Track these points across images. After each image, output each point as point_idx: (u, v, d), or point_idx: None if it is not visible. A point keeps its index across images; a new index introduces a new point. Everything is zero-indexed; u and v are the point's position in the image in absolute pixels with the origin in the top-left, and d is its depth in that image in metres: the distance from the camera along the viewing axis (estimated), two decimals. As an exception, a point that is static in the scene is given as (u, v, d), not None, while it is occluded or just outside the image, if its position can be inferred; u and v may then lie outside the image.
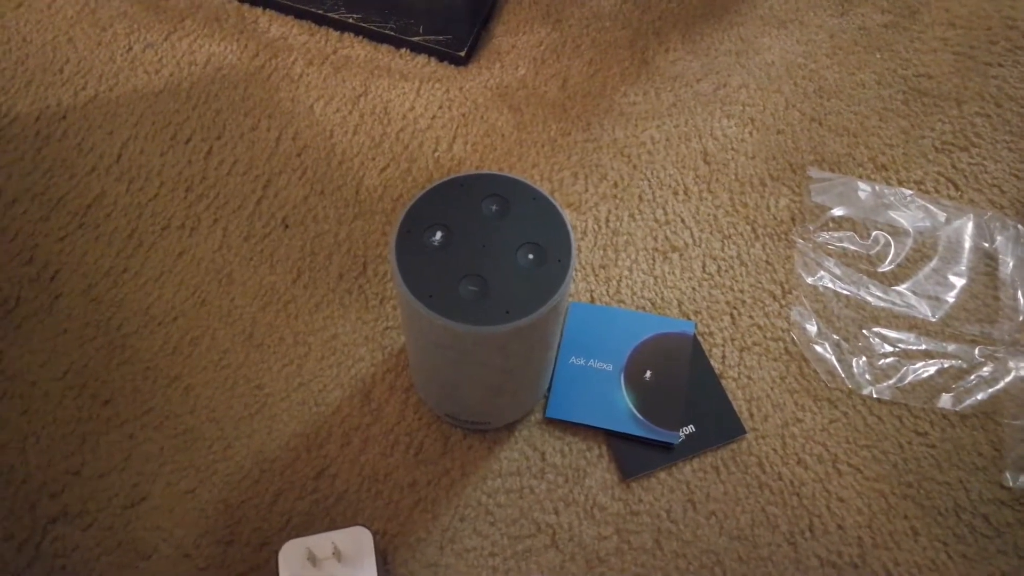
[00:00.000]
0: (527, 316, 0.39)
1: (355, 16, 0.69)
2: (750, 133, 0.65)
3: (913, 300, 0.58)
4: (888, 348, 0.56)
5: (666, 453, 0.52)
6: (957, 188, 0.63)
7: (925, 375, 0.56)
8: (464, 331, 0.39)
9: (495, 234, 0.42)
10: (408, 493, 0.51)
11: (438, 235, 0.41)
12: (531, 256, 0.41)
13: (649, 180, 0.63)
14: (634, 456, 0.52)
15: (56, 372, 0.55)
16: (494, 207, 0.42)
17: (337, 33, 0.70)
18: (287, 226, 0.61)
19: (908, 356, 0.56)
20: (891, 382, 0.55)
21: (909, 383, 0.55)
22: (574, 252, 0.41)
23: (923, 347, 0.57)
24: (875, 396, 0.55)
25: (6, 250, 0.59)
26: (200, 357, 0.56)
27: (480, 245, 0.41)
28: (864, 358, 0.56)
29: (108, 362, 0.55)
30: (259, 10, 0.70)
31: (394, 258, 0.40)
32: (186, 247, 0.60)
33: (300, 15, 0.70)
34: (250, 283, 0.58)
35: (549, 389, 0.54)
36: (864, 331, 0.57)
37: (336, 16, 0.69)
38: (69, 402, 0.54)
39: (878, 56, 0.69)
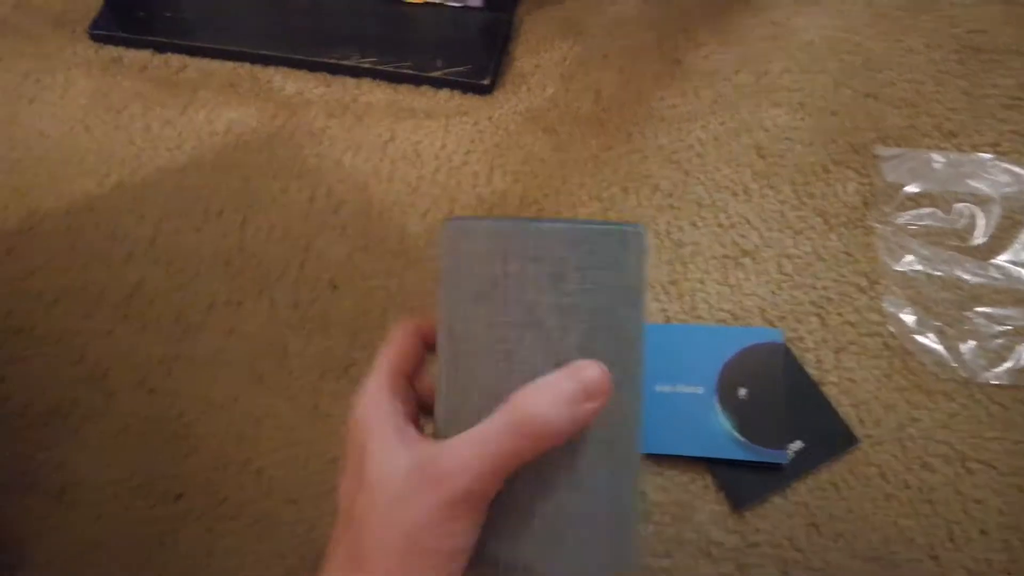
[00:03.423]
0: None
1: (370, 60, 0.67)
2: (802, 119, 0.61)
3: (1013, 272, 0.54)
4: (997, 328, 0.52)
5: (777, 475, 0.48)
6: (1035, 144, 0.59)
7: (1041, 351, 0.51)
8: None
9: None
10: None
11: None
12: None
13: (704, 184, 0.59)
14: (742, 482, 0.49)
15: (123, 473, 0.52)
16: None
17: (354, 80, 0.67)
18: (335, 287, 0.58)
19: (1020, 334, 0.52)
20: (1007, 365, 0.51)
21: (1025, 362, 0.51)
22: None
23: (1032, 320, 0.52)
24: (993, 382, 0.50)
25: (54, 353, 0.57)
26: (267, 437, 0.53)
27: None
28: (973, 342, 0.52)
29: (174, 455, 0.52)
30: (272, 69, 0.68)
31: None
32: (235, 324, 0.57)
33: (313, 68, 0.68)
34: (306, 352, 0.55)
35: (638, 422, 0.50)
36: (967, 313, 0.53)
37: (350, 63, 0.67)
38: (140, 502, 0.51)
39: (923, 18, 0.65)
